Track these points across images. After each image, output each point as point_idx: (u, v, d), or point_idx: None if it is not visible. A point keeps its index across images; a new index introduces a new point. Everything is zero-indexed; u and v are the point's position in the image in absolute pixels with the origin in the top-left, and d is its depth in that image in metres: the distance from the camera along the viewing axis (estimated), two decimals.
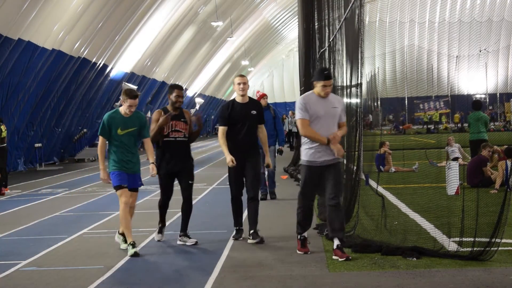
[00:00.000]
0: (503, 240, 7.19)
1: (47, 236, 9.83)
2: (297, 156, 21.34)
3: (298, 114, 7.66)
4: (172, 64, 41.79)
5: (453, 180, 12.30)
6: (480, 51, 57.28)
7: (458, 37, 62.16)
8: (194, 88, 52.98)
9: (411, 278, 6.43)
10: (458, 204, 8.08)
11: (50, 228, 10.71)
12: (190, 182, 8.74)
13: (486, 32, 62.48)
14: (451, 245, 7.48)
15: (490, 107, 60.14)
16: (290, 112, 36.94)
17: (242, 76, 8.89)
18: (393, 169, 17.81)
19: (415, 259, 7.14)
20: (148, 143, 8.56)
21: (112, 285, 6.74)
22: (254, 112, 8.77)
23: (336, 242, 7.51)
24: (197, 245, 8.61)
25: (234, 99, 8.89)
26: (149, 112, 41.34)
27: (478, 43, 59.25)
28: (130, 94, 8.20)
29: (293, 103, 67.99)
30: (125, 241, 8.35)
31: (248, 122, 8.73)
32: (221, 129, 8.80)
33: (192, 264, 7.50)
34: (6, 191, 16.84)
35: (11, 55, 21.36)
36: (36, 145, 25.80)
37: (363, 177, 11.25)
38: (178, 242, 8.75)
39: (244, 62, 60.30)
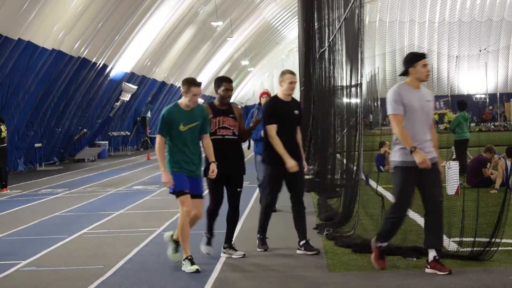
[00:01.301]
0: (503, 240, 7.19)
1: (47, 236, 9.82)
2: None
3: (390, 108, 6.72)
4: (172, 64, 41.78)
5: (453, 180, 12.30)
6: (480, 51, 57.29)
7: (458, 37, 62.19)
8: None
9: (411, 278, 6.43)
10: (458, 204, 8.08)
11: (50, 228, 10.71)
12: (238, 189, 7.91)
13: (486, 32, 62.50)
14: (451, 245, 7.48)
15: (490, 107, 60.13)
16: None
17: (293, 73, 8.04)
18: None
19: (415, 259, 7.14)
20: (208, 139, 7.48)
21: (112, 285, 6.74)
22: (296, 112, 8.01)
23: (433, 253, 6.66)
24: (197, 245, 8.53)
25: (276, 96, 8.06)
26: (149, 112, 41.41)
27: (478, 43, 59.26)
28: (194, 82, 7.28)
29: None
30: (176, 250, 7.57)
31: (291, 123, 7.95)
32: (273, 128, 7.83)
33: None
34: (6, 191, 16.87)
35: (11, 55, 21.36)
36: (36, 145, 25.80)
37: (363, 177, 11.25)
38: (222, 255, 7.90)
39: (244, 62, 60.30)
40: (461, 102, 17.20)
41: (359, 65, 9.60)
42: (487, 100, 59.18)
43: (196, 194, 7.37)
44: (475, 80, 60.91)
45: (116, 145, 36.99)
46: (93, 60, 28.58)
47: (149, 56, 36.42)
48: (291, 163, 7.73)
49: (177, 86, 46.88)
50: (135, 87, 35.51)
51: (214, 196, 7.83)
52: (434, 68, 64.93)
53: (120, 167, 25.13)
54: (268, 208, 8.13)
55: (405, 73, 6.85)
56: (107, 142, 33.89)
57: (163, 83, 42.61)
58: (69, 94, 28.01)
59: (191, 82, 7.26)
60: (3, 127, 17.31)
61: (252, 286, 6.48)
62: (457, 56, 58.32)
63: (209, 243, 8.00)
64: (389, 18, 57.22)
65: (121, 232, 9.92)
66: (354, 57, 10.15)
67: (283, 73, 8.01)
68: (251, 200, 12.96)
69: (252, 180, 16.52)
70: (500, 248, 7.03)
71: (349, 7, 10.56)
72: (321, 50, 17.08)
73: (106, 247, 8.74)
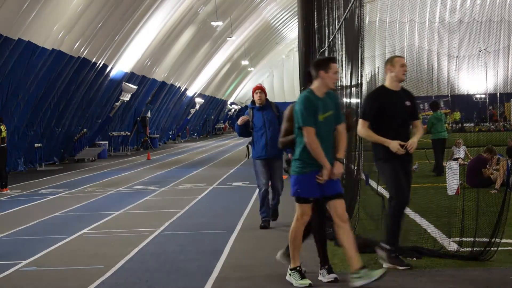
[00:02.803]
0: (503, 240, 7.19)
1: (47, 236, 9.82)
2: None
3: None
4: (172, 64, 41.80)
5: (453, 180, 12.30)
6: (480, 51, 57.28)
7: (458, 37, 62.19)
8: (194, 88, 53.00)
9: (411, 278, 6.43)
10: (458, 204, 8.08)
11: (50, 228, 10.71)
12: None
13: (486, 32, 62.49)
14: (451, 245, 7.48)
15: (490, 107, 60.19)
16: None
17: (402, 56, 7.12)
18: None
19: (415, 259, 7.13)
20: (343, 130, 6.40)
21: (112, 285, 6.74)
22: (408, 103, 7.01)
23: None
24: (197, 245, 8.56)
25: (383, 86, 7.10)
26: (149, 112, 41.41)
27: (478, 43, 59.25)
28: (330, 58, 6.43)
29: (293, 103, 68.89)
30: (302, 276, 6.34)
31: (402, 116, 6.95)
32: (365, 124, 6.99)
33: (192, 264, 7.49)
34: (6, 191, 16.87)
35: (11, 55, 21.36)
36: (36, 145, 25.80)
37: (363, 177, 11.24)
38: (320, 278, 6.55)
39: (244, 62, 60.35)
40: (433, 104, 17.80)
41: (359, 65, 9.60)
42: (487, 100, 59.21)
43: (337, 194, 6.26)
44: (475, 80, 60.92)
45: (116, 145, 36.99)
46: (93, 60, 28.59)
47: (149, 56, 36.43)
48: (394, 144, 6.75)
49: (177, 86, 46.91)
50: (135, 87, 35.52)
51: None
52: (434, 68, 65.00)
53: (120, 167, 25.13)
54: (400, 211, 6.84)
55: None
56: (107, 142, 33.90)
57: (163, 83, 42.60)
58: (69, 94, 28.01)
59: (327, 59, 6.37)
60: (3, 127, 17.30)
61: (252, 286, 6.48)
62: (457, 56, 58.29)
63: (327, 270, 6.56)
64: (389, 18, 57.22)
65: (121, 232, 9.93)
66: (354, 57, 10.14)
67: (391, 58, 7.09)
68: (251, 199, 12.96)
69: (252, 180, 16.55)
70: (500, 248, 7.03)
71: (349, 7, 10.56)
72: (321, 50, 17.07)
73: (106, 247, 8.74)
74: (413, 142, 6.86)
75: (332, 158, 6.24)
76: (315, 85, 6.29)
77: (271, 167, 9.67)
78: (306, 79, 6.86)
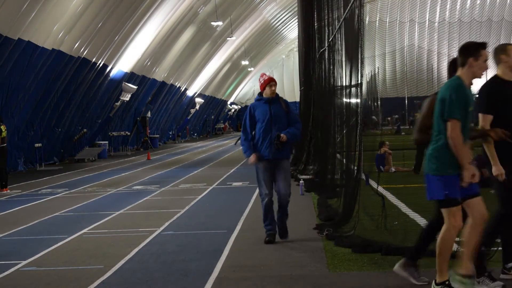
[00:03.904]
0: None
1: (47, 236, 9.82)
2: (296, 156, 21.34)
3: None
4: (172, 64, 41.80)
5: None
6: None
7: (458, 37, 62.22)
8: (194, 88, 53.01)
9: None
10: None
11: (50, 228, 10.71)
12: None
13: (486, 32, 62.53)
14: None
15: None
16: None
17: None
18: (393, 169, 17.80)
19: None
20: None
21: (112, 285, 6.74)
22: None
23: None
24: (197, 245, 8.56)
25: (497, 76, 6.33)
26: (149, 112, 41.41)
27: None
28: (480, 43, 5.64)
29: (293, 103, 68.70)
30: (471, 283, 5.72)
31: None
32: (489, 119, 6.15)
33: (192, 264, 7.49)
34: (6, 191, 16.86)
35: (11, 55, 21.36)
36: (36, 145, 25.79)
37: (363, 177, 11.24)
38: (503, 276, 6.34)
39: (244, 62, 60.36)
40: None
41: (359, 65, 9.60)
42: None
43: (476, 193, 5.68)
44: (475, 80, 60.98)
45: (116, 145, 36.98)
46: (93, 60, 28.59)
47: (149, 56, 36.43)
48: (498, 169, 6.00)
49: (177, 86, 46.92)
50: (135, 87, 35.52)
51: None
52: (434, 68, 65.02)
53: (120, 167, 25.13)
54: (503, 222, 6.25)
55: None
56: (107, 142, 33.90)
57: (163, 83, 42.61)
58: (69, 94, 28.01)
59: (478, 44, 5.60)
60: (3, 127, 17.30)
61: (252, 286, 6.47)
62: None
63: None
64: (389, 18, 57.26)
65: (121, 232, 9.93)
66: (354, 57, 10.15)
67: (503, 46, 6.33)
68: (251, 199, 12.96)
69: (252, 180, 16.54)
70: (500, 248, 7.02)
71: (349, 7, 10.56)
72: (321, 50, 17.08)
73: (106, 247, 8.74)
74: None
75: None
76: (461, 72, 5.61)
77: (277, 170, 8.56)
78: (451, 68, 6.26)
